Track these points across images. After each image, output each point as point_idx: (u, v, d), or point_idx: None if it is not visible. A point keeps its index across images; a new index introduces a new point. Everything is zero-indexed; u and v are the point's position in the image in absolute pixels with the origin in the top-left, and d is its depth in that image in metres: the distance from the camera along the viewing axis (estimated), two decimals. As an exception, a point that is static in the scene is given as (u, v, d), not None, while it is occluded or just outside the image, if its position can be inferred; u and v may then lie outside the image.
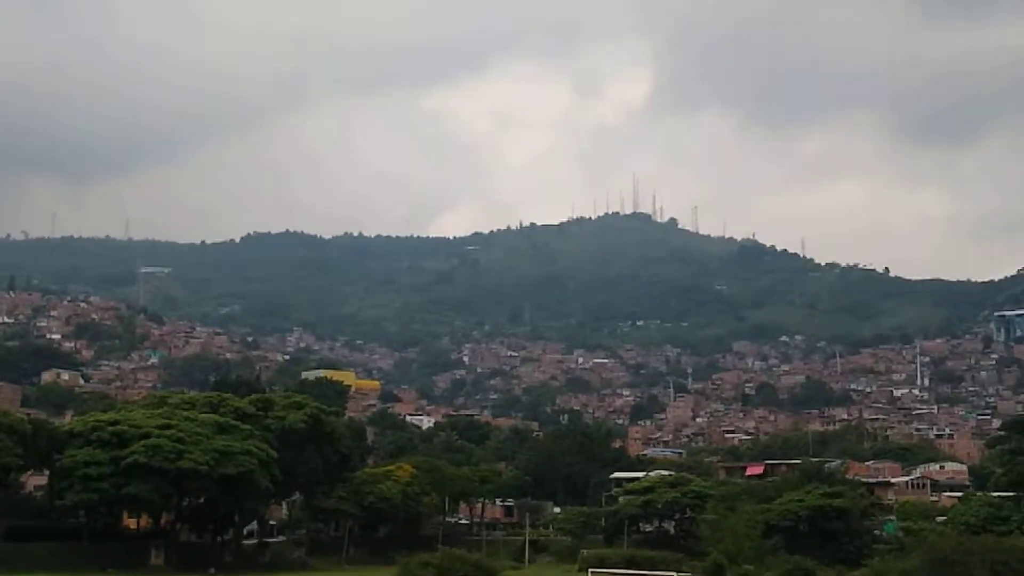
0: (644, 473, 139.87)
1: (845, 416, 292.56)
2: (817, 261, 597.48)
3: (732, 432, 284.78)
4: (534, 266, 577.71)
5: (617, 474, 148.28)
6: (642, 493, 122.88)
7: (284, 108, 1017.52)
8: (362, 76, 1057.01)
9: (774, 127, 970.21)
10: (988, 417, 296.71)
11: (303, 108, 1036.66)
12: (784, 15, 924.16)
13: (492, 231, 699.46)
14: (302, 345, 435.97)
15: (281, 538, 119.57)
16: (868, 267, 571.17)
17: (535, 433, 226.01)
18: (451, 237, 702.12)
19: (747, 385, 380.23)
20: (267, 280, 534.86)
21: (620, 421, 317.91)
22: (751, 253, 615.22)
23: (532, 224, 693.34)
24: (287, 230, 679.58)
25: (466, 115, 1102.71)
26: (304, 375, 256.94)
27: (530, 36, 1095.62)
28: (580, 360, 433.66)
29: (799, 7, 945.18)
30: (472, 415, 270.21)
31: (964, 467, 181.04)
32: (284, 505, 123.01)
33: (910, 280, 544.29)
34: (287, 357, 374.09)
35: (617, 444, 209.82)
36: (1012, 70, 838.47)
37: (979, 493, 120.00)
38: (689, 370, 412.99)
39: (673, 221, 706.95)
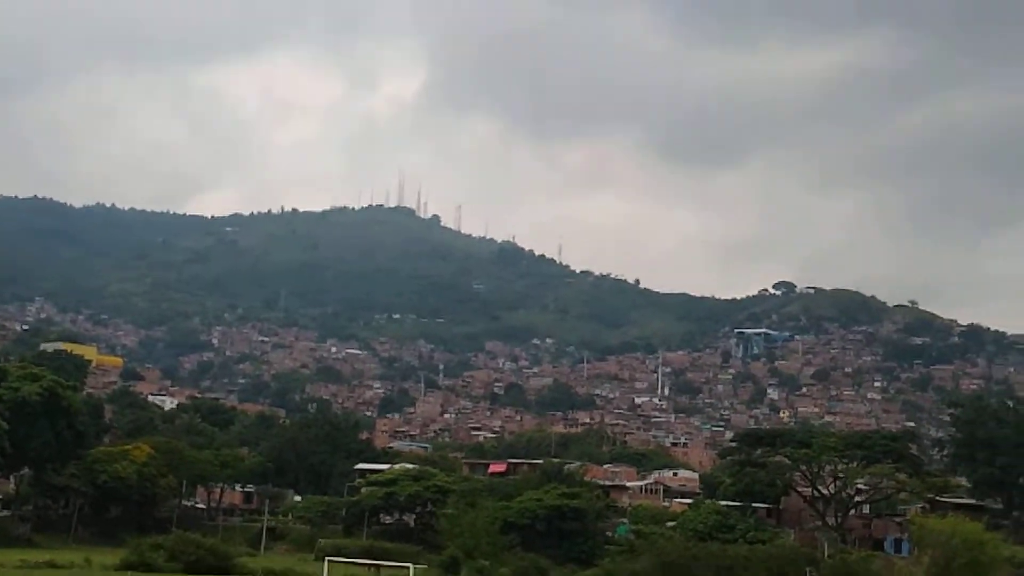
0: (388, 465, 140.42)
1: (588, 420, 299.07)
2: (572, 268, 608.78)
3: (479, 429, 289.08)
4: (293, 252, 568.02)
5: (361, 465, 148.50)
6: (385, 485, 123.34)
7: (48, 73, 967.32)
8: (130, 48, 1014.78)
9: (541, 134, 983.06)
10: (722, 429, 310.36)
11: (71, 75, 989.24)
12: (558, 28, 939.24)
13: (252, 213, 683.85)
14: (43, 316, 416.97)
15: (6, 513, 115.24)
16: (620, 277, 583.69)
17: (282, 420, 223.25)
18: (209, 216, 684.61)
19: (496, 384, 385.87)
20: (9, 246, 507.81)
21: (369, 413, 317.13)
22: (510, 255, 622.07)
23: (294, 210, 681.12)
24: (35, 196, 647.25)
25: (236, 96, 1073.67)
26: (43, 346, 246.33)
27: (308, 22, 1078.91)
28: (333, 349, 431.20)
29: (572, 22, 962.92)
30: (218, 398, 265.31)
31: (696, 475, 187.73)
32: (11, 479, 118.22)
33: (658, 293, 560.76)
34: (26, 327, 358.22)
35: (364, 436, 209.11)
36: (771, 99, 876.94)
37: (708, 501, 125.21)
38: (441, 366, 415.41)
39: (436, 218, 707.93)
